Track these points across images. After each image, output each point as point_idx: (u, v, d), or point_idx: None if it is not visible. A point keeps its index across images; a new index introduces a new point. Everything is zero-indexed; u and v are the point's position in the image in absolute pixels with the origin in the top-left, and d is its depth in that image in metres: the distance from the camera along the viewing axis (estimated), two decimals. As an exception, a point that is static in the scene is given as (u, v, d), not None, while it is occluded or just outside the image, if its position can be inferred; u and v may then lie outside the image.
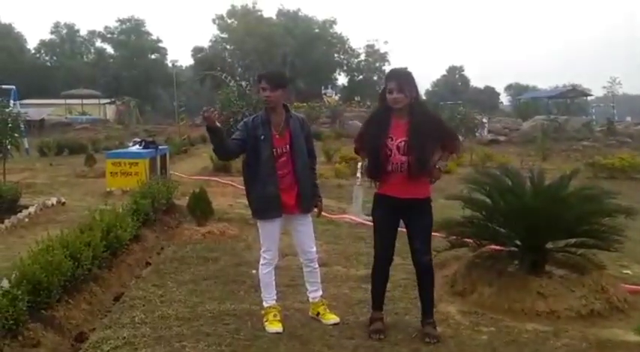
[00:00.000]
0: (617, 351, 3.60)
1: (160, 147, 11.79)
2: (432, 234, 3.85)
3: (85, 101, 39.98)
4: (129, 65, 52.39)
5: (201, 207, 7.04)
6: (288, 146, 3.83)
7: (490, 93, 68.38)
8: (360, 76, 57.71)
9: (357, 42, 79.42)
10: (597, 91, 50.77)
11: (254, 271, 4.59)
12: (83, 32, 58.72)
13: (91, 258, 4.36)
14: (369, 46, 56.88)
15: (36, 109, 28.87)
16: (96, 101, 40.50)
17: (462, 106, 23.14)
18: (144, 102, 47.88)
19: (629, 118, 40.14)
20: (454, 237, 4.89)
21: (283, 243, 4.48)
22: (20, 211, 7.55)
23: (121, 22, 55.92)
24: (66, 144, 20.79)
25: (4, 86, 20.01)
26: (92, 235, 4.62)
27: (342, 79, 59.84)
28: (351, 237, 6.84)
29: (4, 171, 9.55)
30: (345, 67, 58.37)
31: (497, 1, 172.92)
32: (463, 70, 71.66)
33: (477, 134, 24.20)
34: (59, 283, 3.81)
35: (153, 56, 56.15)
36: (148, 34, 56.35)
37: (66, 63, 54.07)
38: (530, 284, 4.30)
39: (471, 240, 4.88)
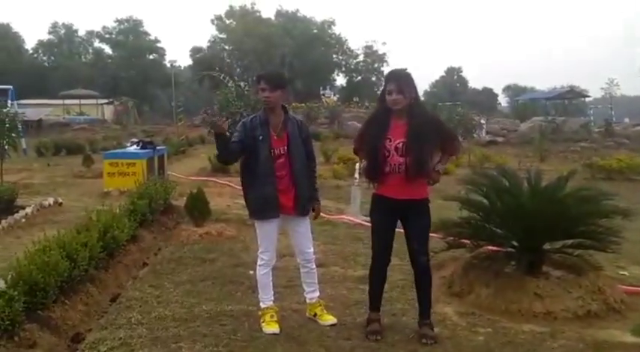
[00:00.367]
0: (613, 352, 3.60)
1: (158, 147, 11.79)
2: (430, 234, 3.84)
3: (82, 101, 39.94)
4: (127, 65, 52.37)
5: (198, 208, 7.03)
6: (285, 147, 3.82)
7: (488, 94, 68.46)
8: (359, 77, 57.79)
9: (356, 43, 79.47)
10: (595, 93, 50.99)
11: (251, 272, 4.59)
12: (81, 32, 58.79)
13: (88, 258, 4.36)
14: (368, 47, 57.01)
15: (34, 109, 28.90)
16: (94, 101, 40.47)
17: (460, 107, 23.16)
18: (142, 103, 47.86)
19: (627, 119, 40.18)
20: (451, 238, 4.89)
21: (281, 243, 4.48)
22: (17, 212, 7.54)
23: (119, 22, 55.94)
24: (63, 144, 20.79)
25: (1, 86, 20.04)
26: (89, 236, 4.61)
27: (340, 80, 59.98)
28: (348, 237, 6.84)
29: (2, 172, 9.53)
30: (343, 68, 58.44)
31: (496, 2, 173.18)
32: (461, 71, 71.84)
33: (475, 135, 24.19)
34: (56, 284, 3.80)
35: (151, 56, 56.15)
36: (147, 34, 56.37)
37: (64, 63, 54.02)
38: (527, 285, 4.30)
39: (468, 241, 4.88)
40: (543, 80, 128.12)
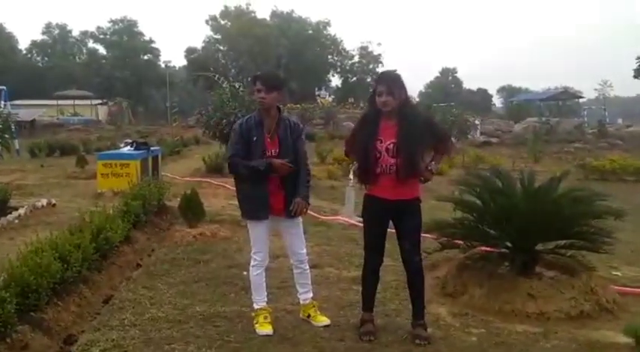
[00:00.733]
0: (606, 352, 3.61)
1: (152, 148, 11.74)
2: (423, 235, 3.86)
3: (77, 102, 39.82)
4: (121, 66, 52.24)
5: (192, 209, 7.01)
6: (277, 150, 3.82)
7: (483, 95, 68.77)
8: (354, 78, 57.90)
9: (351, 43, 79.81)
10: (589, 93, 51.18)
11: (245, 273, 4.58)
12: (75, 33, 58.66)
13: (81, 259, 4.33)
14: (363, 48, 57.14)
15: (27, 110, 28.75)
16: (88, 102, 40.35)
17: (455, 108, 23.23)
18: (136, 103, 47.81)
19: (620, 120, 40.44)
20: (445, 239, 4.90)
21: (274, 244, 4.48)
22: (10, 213, 7.49)
23: (114, 22, 55.80)
24: (57, 145, 20.70)
25: (-5, 87, 19.91)
26: (82, 237, 4.59)
27: (335, 81, 60.10)
28: (343, 238, 6.84)
29: (-6, 173, 9.48)
30: (338, 69, 58.55)
31: (491, 3, 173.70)
32: (456, 72, 72.10)
33: (469, 136, 24.29)
34: (48, 285, 3.78)
35: (145, 57, 56.02)
36: (141, 34, 56.23)
37: (58, 63, 53.86)
38: (520, 286, 4.32)
39: (461, 242, 4.89)
40: (538, 81, 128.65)
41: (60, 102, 38.73)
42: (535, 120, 30.76)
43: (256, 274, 3.93)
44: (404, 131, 3.60)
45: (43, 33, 57.24)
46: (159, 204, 7.63)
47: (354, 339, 3.68)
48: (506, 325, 3.98)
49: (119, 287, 4.86)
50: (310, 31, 55.79)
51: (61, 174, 13.46)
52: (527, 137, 25.90)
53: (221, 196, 9.94)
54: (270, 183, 3.80)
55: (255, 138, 3.79)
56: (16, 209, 7.75)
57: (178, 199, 7.46)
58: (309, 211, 4.09)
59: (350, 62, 58.34)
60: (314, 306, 4.03)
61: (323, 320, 3.94)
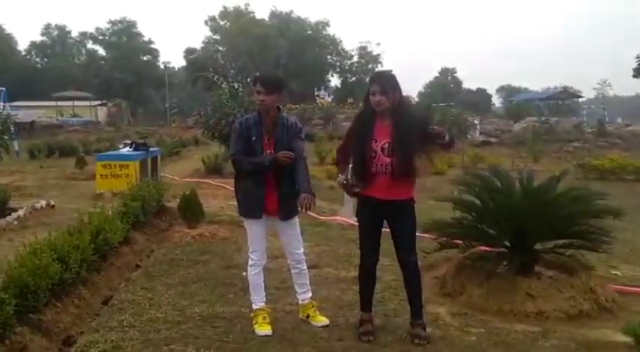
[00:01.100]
0: (605, 352, 3.61)
1: (151, 149, 11.75)
2: (423, 235, 3.85)
3: (76, 103, 39.78)
4: (120, 67, 52.25)
5: (191, 210, 7.01)
6: (272, 151, 3.81)
7: (482, 94, 68.78)
8: (353, 78, 57.89)
9: (350, 44, 79.74)
10: (588, 93, 51.23)
11: (244, 273, 4.57)
12: (74, 34, 58.64)
13: (80, 261, 4.33)
14: (362, 48, 57.17)
15: (26, 111, 28.77)
16: (87, 103, 40.34)
17: (454, 108, 23.26)
18: (135, 104, 47.80)
19: (619, 120, 40.42)
20: (444, 238, 4.90)
21: (273, 245, 4.48)
22: (9, 214, 7.50)
23: (113, 23, 55.83)
24: (56, 146, 20.70)
25: (-7, 88, 19.91)
26: (81, 238, 4.58)
27: (334, 81, 60.07)
28: (342, 238, 6.83)
29: (-6, 174, 9.48)
30: (337, 69, 58.57)
31: (490, 3, 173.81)
32: (455, 72, 72.11)
33: (468, 136, 24.29)
34: (47, 286, 3.77)
35: (145, 58, 56.07)
36: (140, 35, 56.28)
37: (57, 64, 53.85)
38: (519, 285, 4.31)
39: (460, 241, 4.88)
40: (537, 81, 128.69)
41: (59, 103, 38.71)
42: (534, 120, 30.75)
43: (254, 273, 3.93)
44: (398, 131, 3.60)
45: (42, 34, 57.29)
46: (158, 204, 7.63)
47: (353, 339, 3.68)
48: (506, 324, 3.98)
49: (118, 288, 4.85)
50: (309, 32, 55.81)
51: (61, 175, 13.47)
52: (527, 137, 25.91)
53: (220, 197, 9.94)
54: (267, 184, 3.80)
55: (254, 138, 3.81)
56: (16, 210, 7.75)
57: (177, 200, 7.46)
58: (308, 212, 4.08)
59: (349, 62, 58.38)
60: (313, 306, 4.02)
61: (322, 321, 3.94)
